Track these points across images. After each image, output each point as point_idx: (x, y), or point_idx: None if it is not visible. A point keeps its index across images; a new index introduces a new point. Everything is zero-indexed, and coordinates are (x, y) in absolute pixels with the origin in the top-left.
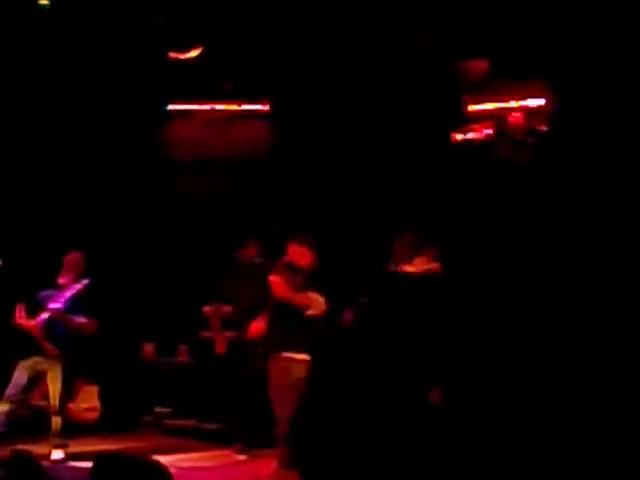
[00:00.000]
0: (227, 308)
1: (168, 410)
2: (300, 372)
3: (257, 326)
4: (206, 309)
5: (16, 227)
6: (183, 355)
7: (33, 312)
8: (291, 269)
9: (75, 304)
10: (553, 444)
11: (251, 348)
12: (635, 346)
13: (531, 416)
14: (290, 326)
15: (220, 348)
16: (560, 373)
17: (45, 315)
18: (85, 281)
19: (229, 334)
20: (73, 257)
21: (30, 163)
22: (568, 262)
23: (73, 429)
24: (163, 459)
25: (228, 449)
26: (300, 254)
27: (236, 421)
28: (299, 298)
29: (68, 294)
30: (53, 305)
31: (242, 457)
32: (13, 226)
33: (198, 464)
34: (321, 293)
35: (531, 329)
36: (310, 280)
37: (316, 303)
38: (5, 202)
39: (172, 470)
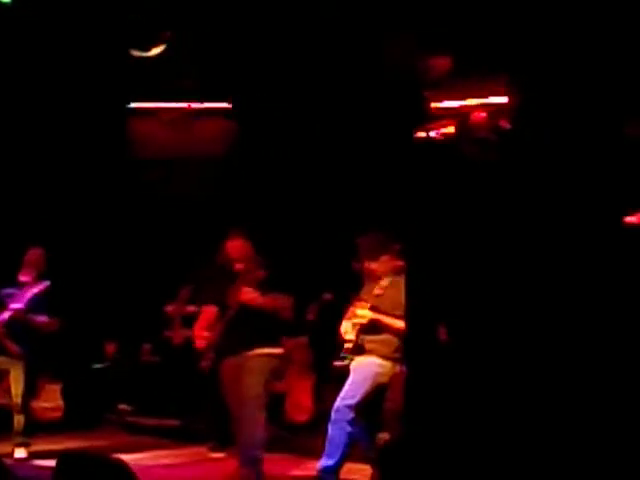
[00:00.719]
0: (191, 308)
1: (131, 408)
2: (251, 363)
3: (201, 334)
4: (169, 308)
5: None
6: (146, 354)
7: None
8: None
9: (36, 303)
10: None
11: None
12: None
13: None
14: (261, 323)
15: (178, 342)
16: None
17: (6, 315)
18: (46, 282)
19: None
20: (34, 254)
21: None
22: (534, 260)
23: (36, 427)
24: (127, 457)
25: (195, 447)
26: (237, 248)
27: (209, 419)
28: (272, 302)
29: (29, 294)
30: (14, 305)
31: (218, 455)
32: None
33: (162, 462)
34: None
35: (497, 328)
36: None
37: (285, 303)
38: None
39: (136, 468)
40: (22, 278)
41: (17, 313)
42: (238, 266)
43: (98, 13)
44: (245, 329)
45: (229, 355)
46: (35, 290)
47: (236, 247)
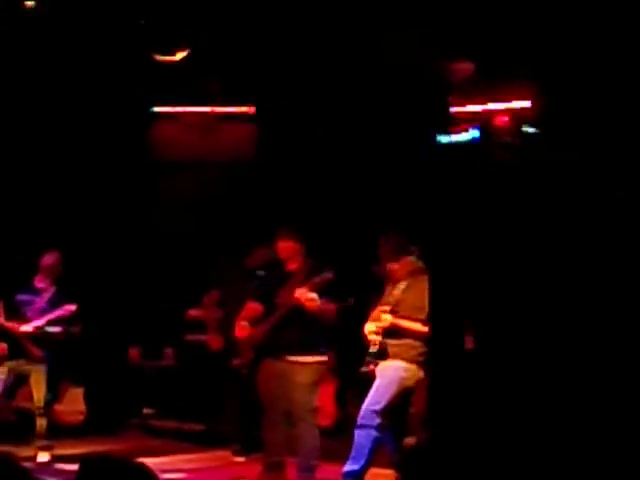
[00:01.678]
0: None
1: (153, 412)
2: (301, 374)
3: (243, 326)
4: (192, 312)
5: None
6: (168, 358)
7: (11, 312)
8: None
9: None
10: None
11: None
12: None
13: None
14: (299, 331)
15: (215, 345)
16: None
17: (27, 328)
18: (72, 307)
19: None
20: (49, 259)
21: (15, 163)
22: (556, 263)
23: (59, 431)
24: (149, 461)
25: (218, 450)
26: (288, 249)
27: (234, 422)
28: (324, 307)
29: (52, 315)
30: (36, 323)
31: (240, 459)
32: None
33: (185, 466)
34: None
35: (518, 331)
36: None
37: (332, 309)
38: None
39: (159, 472)
40: (38, 284)
41: (37, 332)
42: (291, 266)
43: (123, 17)
44: (293, 333)
45: (271, 357)
46: (56, 314)
47: (287, 248)
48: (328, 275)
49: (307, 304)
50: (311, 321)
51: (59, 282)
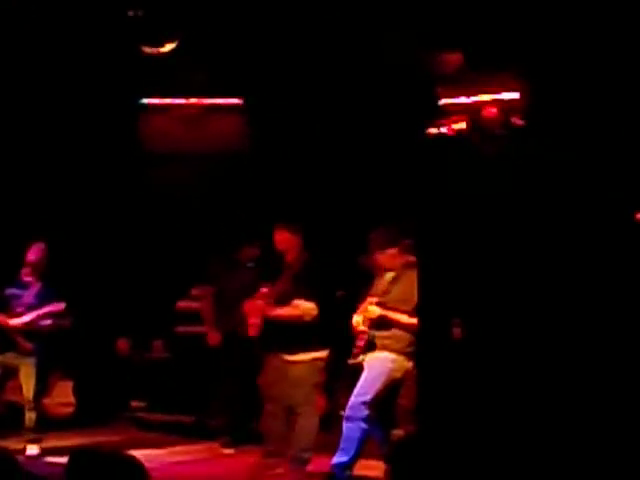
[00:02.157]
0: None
1: (143, 405)
2: (297, 372)
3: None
4: (181, 304)
5: None
6: (158, 350)
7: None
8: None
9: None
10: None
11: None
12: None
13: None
14: (286, 330)
15: (213, 340)
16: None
17: (16, 322)
18: (60, 305)
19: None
20: (33, 254)
21: (3, 155)
22: (543, 254)
23: (48, 424)
24: (139, 453)
25: (207, 443)
26: (284, 240)
27: (224, 415)
28: (286, 313)
29: (41, 312)
30: (25, 318)
31: (229, 451)
32: None
33: (175, 458)
34: (308, 292)
35: (506, 325)
36: (298, 278)
37: (306, 311)
38: None
39: (149, 465)
40: (25, 278)
41: (27, 327)
42: (288, 258)
43: (110, 9)
44: (284, 330)
45: (269, 353)
46: (46, 310)
47: (283, 239)
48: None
49: (268, 315)
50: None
51: (47, 275)
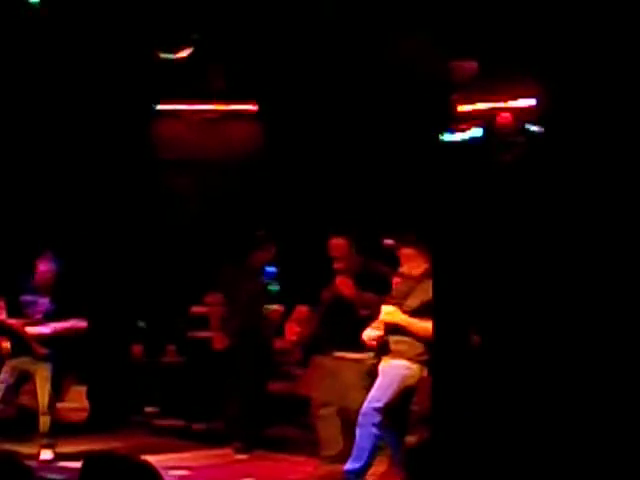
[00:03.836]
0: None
1: (156, 410)
2: (351, 371)
3: (292, 329)
4: (194, 310)
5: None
6: (171, 355)
7: (15, 312)
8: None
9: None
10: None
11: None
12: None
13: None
14: (344, 325)
15: (219, 344)
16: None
17: (33, 331)
18: (83, 324)
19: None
20: (42, 267)
21: (18, 160)
22: (559, 262)
23: (61, 429)
24: (152, 459)
25: (220, 448)
26: (339, 247)
27: (237, 420)
28: (363, 297)
29: (60, 327)
30: (42, 329)
31: (242, 456)
32: None
33: (188, 464)
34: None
35: (522, 330)
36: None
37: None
38: None
39: (162, 470)
40: (38, 284)
41: (43, 337)
42: (337, 265)
43: (127, 15)
44: (338, 330)
45: (320, 354)
46: (65, 327)
47: (339, 245)
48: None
49: (349, 294)
50: (356, 318)
51: (60, 282)
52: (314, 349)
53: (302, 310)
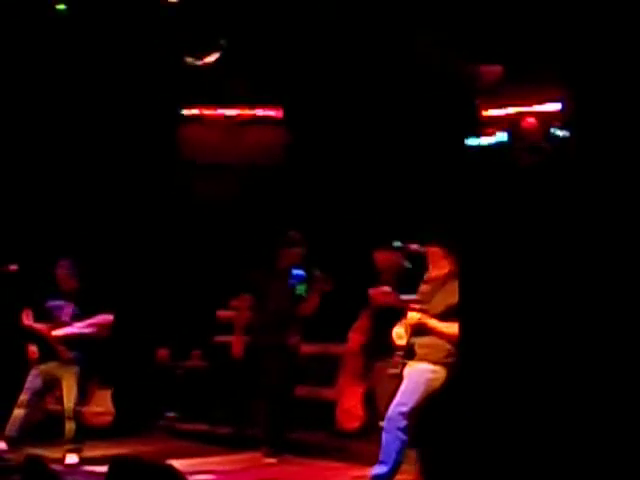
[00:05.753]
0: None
1: (181, 415)
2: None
3: (356, 337)
4: (221, 314)
5: (28, 231)
6: (196, 360)
7: (40, 318)
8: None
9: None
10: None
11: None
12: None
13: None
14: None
15: (237, 350)
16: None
17: (59, 332)
18: (109, 317)
19: (247, 338)
20: (60, 273)
21: (45, 167)
22: (584, 267)
23: (87, 433)
24: (177, 463)
25: (248, 452)
26: (384, 260)
27: (265, 424)
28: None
29: (87, 325)
30: (71, 329)
31: (271, 460)
32: (24, 230)
33: (214, 468)
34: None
35: (543, 336)
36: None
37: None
38: (18, 205)
39: (188, 474)
40: (63, 289)
41: (72, 337)
42: (385, 276)
43: (153, 21)
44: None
45: (379, 360)
46: (92, 324)
47: (384, 259)
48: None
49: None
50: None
51: (87, 286)
52: (373, 354)
53: (366, 315)
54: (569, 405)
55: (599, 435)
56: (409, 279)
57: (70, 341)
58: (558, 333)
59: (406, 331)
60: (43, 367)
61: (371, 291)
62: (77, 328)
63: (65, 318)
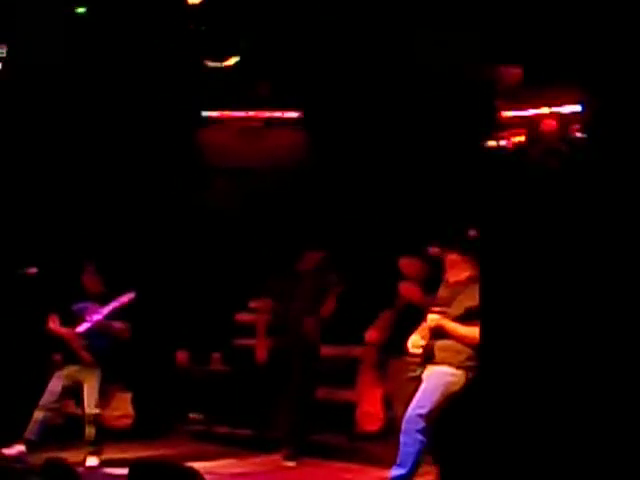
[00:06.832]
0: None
1: (201, 417)
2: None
3: (374, 333)
4: (240, 317)
5: (50, 235)
6: (216, 363)
7: (66, 323)
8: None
9: (111, 313)
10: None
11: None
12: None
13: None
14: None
15: (261, 355)
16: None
17: (86, 325)
18: (131, 295)
19: (269, 342)
20: (87, 276)
21: (65, 169)
22: (603, 271)
23: (107, 436)
24: (198, 465)
25: (268, 455)
26: (411, 267)
27: (285, 427)
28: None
29: (112, 306)
30: (96, 316)
31: (291, 464)
32: (44, 235)
33: (235, 470)
34: None
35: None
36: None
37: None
38: (38, 209)
39: (208, 477)
40: (89, 291)
41: (98, 325)
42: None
43: (174, 23)
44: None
45: (396, 358)
46: (119, 303)
47: (410, 265)
48: None
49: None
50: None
51: (109, 286)
52: (391, 352)
53: (387, 315)
54: (591, 411)
55: (622, 438)
56: (434, 285)
57: (94, 347)
58: (580, 339)
59: (424, 336)
60: (65, 371)
61: (401, 284)
62: (101, 314)
63: (90, 316)
